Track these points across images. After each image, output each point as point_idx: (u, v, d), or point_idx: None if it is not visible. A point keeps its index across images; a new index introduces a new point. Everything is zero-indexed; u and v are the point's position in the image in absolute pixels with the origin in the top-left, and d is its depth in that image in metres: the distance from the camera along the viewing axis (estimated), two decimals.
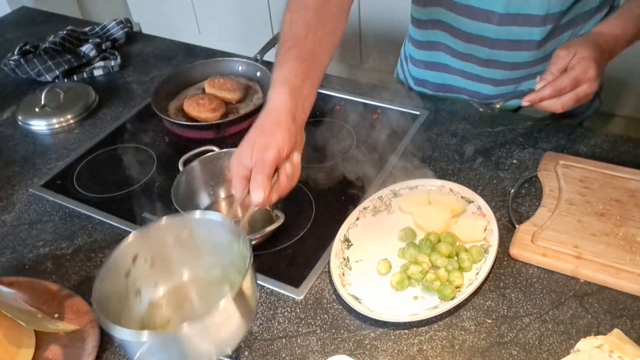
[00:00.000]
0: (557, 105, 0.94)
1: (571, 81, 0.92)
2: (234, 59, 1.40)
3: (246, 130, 1.22)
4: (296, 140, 0.81)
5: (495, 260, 0.89)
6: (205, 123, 1.21)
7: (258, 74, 1.34)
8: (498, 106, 1.07)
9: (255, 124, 0.82)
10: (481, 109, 1.15)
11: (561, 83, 0.92)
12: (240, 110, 1.26)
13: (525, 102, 0.95)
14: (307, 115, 0.85)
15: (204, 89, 1.32)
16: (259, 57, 1.37)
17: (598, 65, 0.93)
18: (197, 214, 0.78)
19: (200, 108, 1.23)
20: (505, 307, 0.84)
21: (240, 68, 1.38)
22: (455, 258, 0.89)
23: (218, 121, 1.21)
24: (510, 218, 0.96)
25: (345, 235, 0.95)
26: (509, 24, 1.09)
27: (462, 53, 1.19)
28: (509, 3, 1.06)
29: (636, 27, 1.00)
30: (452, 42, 1.19)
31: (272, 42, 1.39)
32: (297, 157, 0.81)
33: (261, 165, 0.76)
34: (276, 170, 0.78)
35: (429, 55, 1.27)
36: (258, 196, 0.75)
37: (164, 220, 0.77)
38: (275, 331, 0.85)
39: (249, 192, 0.77)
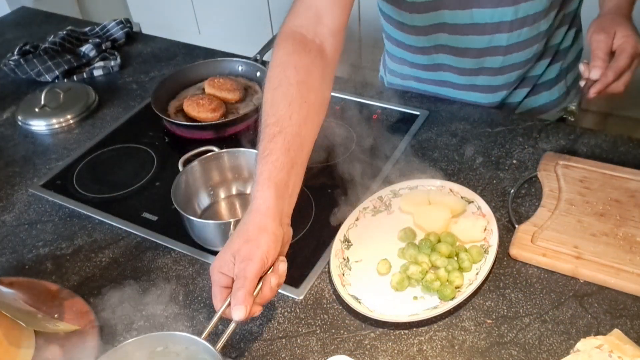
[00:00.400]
0: (619, 86, 0.96)
1: (629, 60, 0.94)
2: (234, 59, 1.40)
3: (246, 130, 1.24)
4: (282, 243, 0.77)
5: (495, 261, 0.89)
6: (206, 123, 1.21)
7: (258, 74, 1.34)
8: (573, 107, 1.06)
9: (239, 227, 0.77)
10: (566, 116, 1.11)
11: (620, 64, 0.94)
12: (240, 110, 1.26)
13: (593, 94, 0.95)
14: (293, 207, 0.81)
15: (204, 89, 1.32)
16: (258, 57, 1.37)
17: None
18: (173, 333, 0.77)
19: (200, 108, 1.23)
20: (505, 307, 0.84)
21: (240, 68, 1.38)
22: (455, 258, 0.89)
23: (218, 121, 1.21)
24: (510, 218, 0.96)
25: (345, 235, 0.95)
26: (519, 28, 1.09)
27: (472, 69, 1.19)
28: (517, 9, 1.06)
29: None
30: (458, 61, 1.18)
31: (272, 43, 1.39)
32: (282, 267, 0.76)
33: (243, 279, 0.71)
34: (260, 278, 0.74)
35: (433, 74, 1.26)
36: (239, 314, 0.70)
37: (139, 337, 0.75)
38: (275, 331, 0.85)
39: (229, 303, 0.72)
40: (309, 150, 0.85)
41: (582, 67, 0.96)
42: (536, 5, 1.06)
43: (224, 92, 1.28)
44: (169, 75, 1.35)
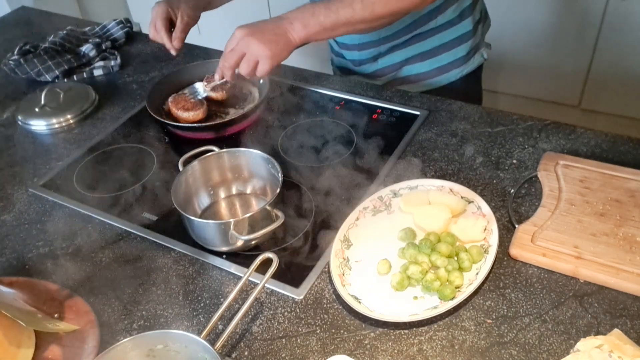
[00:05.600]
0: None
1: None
2: None
3: (244, 130, 1.23)
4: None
5: (495, 261, 0.89)
6: (207, 124, 1.21)
7: (261, 80, 1.31)
8: None
9: None
10: None
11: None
12: (230, 113, 1.25)
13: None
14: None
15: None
16: None
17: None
18: (173, 331, 0.79)
19: (179, 107, 1.23)
20: (505, 307, 0.84)
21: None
22: (455, 258, 0.89)
23: (197, 124, 1.21)
24: (510, 218, 0.96)
25: (345, 235, 0.95)
26: None
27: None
28: None
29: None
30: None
31: None
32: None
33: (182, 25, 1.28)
34: None
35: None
36: (178, 43, 1.28)
37: (139, 335, 0.77)
38: (275, 331, 0.85)
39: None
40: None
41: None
42: None
43: (210, 91, 1.28)
44: (165, 77, 1.35)
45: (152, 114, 1.22)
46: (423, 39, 1.31)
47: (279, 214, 0.94)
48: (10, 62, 1.49)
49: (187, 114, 1.22)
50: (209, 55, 1.51)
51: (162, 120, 1.22)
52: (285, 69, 1.41)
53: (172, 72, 1.37)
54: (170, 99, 1.27)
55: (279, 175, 0.99)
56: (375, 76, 1.40)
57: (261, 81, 1.29)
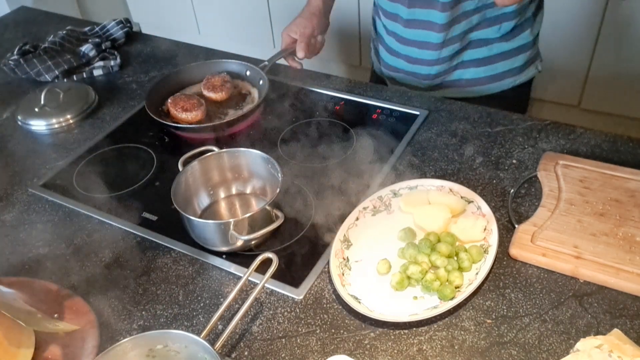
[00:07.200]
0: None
1: None
2: (234, 60, 1.37)
3: (244, 131, 1.23)
4: (320, 25, 1.40)
5: (494, 260, 0.89)
6: (206, 125, 1.21)
7: (260, 81, 1.30)
8: None
9: (299, 14, 1.41)
10: None
11: None
12: (230, 114, 1.25)
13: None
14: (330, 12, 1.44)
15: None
16: (267, 64, 1.33)
17: None
18: (173, 331, 0.79)
19: (177, 108, 1.23)
20: (504, 307, 0.84)
21: (247, 73, 1.35)
22: (455, 258, 0.89)
23: (193, 125, 1.21)
24: (510, 218, 0.96)
25: (345, 235, 0.95)
26: (414, 7, 1.25)
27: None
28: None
29: None
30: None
31: (284, 52, 1.39)
32: (320, 38, 1.42)
33: (302, 36, 1.37)
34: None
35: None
36: (301, 53, 1.36)
37: (139, 335, 0.77)
38: (275, 331, 0.85)
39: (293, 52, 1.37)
40: None
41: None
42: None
43: (209, 92, 1.28)
44: (164, 77, 1.34)
45: (151, 114, 1.22)
46: (483, 45, 1.28)
47: (279, 214, 0.94)
48: (10, 62, 1.49)
49: (187, 115, 1.22)
50: (208, 55, 1.51)
51: (161, 121, 1.22)
52: (285, 68, 1.41)
53: (172, 72, 1.37)
54: (169, 100, 1.27)
55: (279, 175, 0.99)
56: (428, 78, 1.35)
57: (260, 82, 1.29)
